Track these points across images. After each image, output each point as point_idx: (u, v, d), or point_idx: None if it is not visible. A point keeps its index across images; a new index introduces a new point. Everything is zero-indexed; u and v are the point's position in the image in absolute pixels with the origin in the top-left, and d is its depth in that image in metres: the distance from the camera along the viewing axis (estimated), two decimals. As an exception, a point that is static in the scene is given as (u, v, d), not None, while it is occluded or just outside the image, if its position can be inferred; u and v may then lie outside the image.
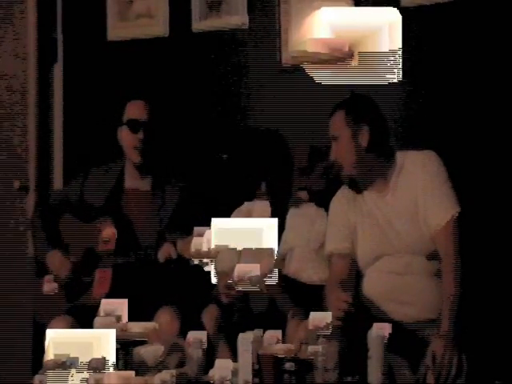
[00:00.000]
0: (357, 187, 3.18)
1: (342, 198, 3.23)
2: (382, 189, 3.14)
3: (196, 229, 2.93)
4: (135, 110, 3.51)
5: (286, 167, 3.48)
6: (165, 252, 3.23)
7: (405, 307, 3.00)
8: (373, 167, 3.14)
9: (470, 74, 3.57)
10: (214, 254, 2.86)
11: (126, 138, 3.51)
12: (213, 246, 2.85)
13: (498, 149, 3.51)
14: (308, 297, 3.17)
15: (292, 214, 3.46)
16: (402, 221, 3.07)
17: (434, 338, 2.86)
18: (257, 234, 2.87)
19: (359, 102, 3.20)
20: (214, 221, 2.87)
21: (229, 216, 3.51)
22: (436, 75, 3.64)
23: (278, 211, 3.42)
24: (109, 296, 3.16)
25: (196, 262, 2.89)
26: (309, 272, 3.33)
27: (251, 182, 3.61)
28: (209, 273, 2.90)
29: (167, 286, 3.32)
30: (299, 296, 3.22)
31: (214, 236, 2.85)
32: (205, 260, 2.88)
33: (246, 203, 3.54)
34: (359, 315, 2.85)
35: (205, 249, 2.88)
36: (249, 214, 3.47)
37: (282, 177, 3.47)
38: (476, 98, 3.55)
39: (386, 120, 3.21)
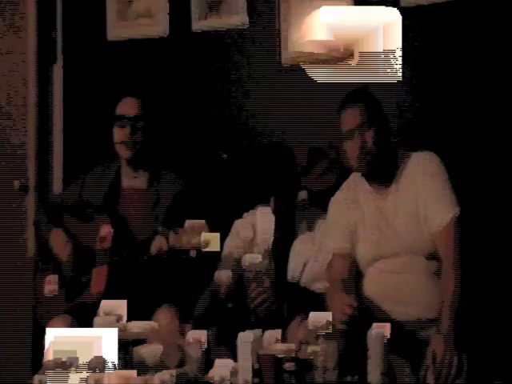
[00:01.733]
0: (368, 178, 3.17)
1: (342, 198, 3.23)
2: (383, 190, 3.14)
3: (188, 222, 2.95)
4: (124, 106, 3.56)
5: (292, 176, 3.47)
6: (157, 244, 3.25)
7: (405, 306, 3.00)
8: (376, 166, 3.12)
9: (470, 75, 3.57)
10: (205, 245, 2.88)
11: (115, 133, 3.56)
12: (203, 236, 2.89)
13: (497, 149, 3.51)
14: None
15: (303, 225, 3.45)
16: (402, 222, 3.07)
17: (434, 337, 2.85)
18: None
19: (373, 100, 3.18)
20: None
21: (225, 213, 3.52)
22: (436, 75, 3.64)
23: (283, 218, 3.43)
24: (107, 294, 3.17)
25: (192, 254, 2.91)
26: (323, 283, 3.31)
27: (250, 182, 3.60)
28: (208, 272, 2.91)
29: (166, 285, 3.33)
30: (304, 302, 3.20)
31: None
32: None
33: (245, 214, 3.54)
34: (361, 317, 2.85)
35: (196, 240, 2.90)
36: (252, 226, 3.48)
37: (287, 185, 3.45)
38: (475, 99, 3.55)
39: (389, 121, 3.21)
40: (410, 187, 3.09)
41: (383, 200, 3.13)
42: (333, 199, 3.26)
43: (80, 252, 3.43)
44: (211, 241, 2.90)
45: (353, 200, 3.19)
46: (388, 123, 3.16)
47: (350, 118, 3.12)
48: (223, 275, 3.26)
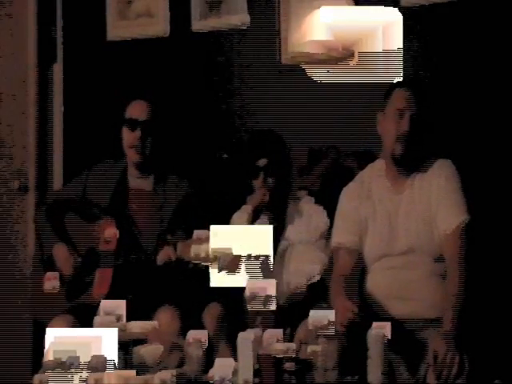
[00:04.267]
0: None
1: (354, 191, 3.22)
2: (399, 186, 3.14)
3: (196, 232, 2.94)
4: (135, 109, 3.54)
5: (286, 166, 3.47)
6: (164, 255, 3.24)
7: (409, 303, 3.00)
8: (410, 153, 3.12)
9: (481, 82, 3.56)
10: (214, 259, 2.87)
11: (125, 136, 3.54)
12: (211, 251, 2.87)
13: (508, 156, 3.51)
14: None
15: (291, 211, 3.45)
16: (414, 221, 3.07)
17: (435, 337, 2.85)
18: (253, 240, 2.89)
19: (425, 96, 3.19)
20: (212, 227, 2.89)
21: (229, 215, 3.51)
22: (448, 82, 3.63)
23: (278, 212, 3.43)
24: (109, 296, 3.17)
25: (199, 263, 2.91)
26: (309, 266, 3.32)
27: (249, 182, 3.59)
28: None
29: (167, 286, 3.33)
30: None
31: (211, 241, 2.88)
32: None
33: (244, 206, 3.54)
34: (362, 321, 2.84)
35: (204, 254, 2.89)
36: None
37: (281, 176, 3.45)
38: (483, 102, 3.54)
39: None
40: (425, 189, 3.10)
41: (398, 195, 3.13)
42: (344, 190, 3.25)
43: (83, 266, 3.42)
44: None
45: (366, 193, 3.18)
46: (431, 126, 3.16)
47: (406, 98, 3.13)
48: None
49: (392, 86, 3.20)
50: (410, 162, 3.12)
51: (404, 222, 3.09)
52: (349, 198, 3.22)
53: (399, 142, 3.10)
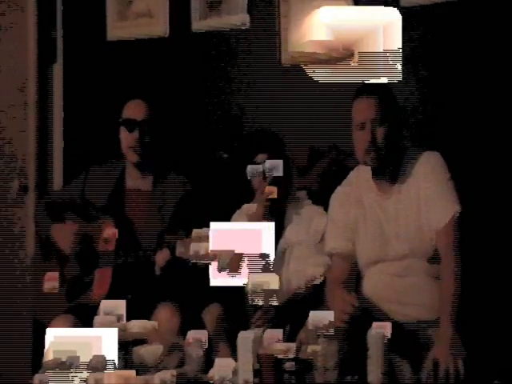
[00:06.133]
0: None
1: (343, 196, 3.20)
2: (386, 190, 3.12)
3: (195, 231, 2.94)
4: (132, 109, 3.53)
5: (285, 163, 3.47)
6: (160, 261, 3.24)
7: (406, 308, 2.99)
8: (383, 163, 3.10)
9: (473, 75, 3.56)
10: (213, 257, 2.87)
11: (123, 137, 3.53)
12: (210, 249, 2.87)
13: (500, 149, 3.51)
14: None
15: (290, 212, 3.45)
16: (404, 224, 3.05)
17: (436, 344, 2.82)
18: (254, 237, 2.88)
19: (389, 94, 3.14)
20: (212, 225, 2.89)
21: (229, 215, 3.51)
22: (437, 75, 3.64)
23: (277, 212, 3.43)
24: (109, 295, 3.17)
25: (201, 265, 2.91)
26: (310, 268, 3.32)
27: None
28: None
29: (167, 286, 3.33)
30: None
31: (211, 238, 2.87)
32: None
33: (245, 205, 3.54)
34: (362, 316, 2.84)
35: (203, 252, 2.89)
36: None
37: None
38: (477, 98, 3.54)
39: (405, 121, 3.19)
40: (413, 188, 3.06)
41: (386, 200, 3.11)
42: (334, 195, 3.21)
43: (84, 243, 3.42)
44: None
45: (355, 197, 3.16)
46: (401, 121, 3.12)
47: (364, 109, 3.06)
48: None
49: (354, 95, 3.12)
50: (387, 171, 3.09)
51: (395, 227, 3.06)
52: (338, 203, 3.19)
53: (367, 154, 3.05)
